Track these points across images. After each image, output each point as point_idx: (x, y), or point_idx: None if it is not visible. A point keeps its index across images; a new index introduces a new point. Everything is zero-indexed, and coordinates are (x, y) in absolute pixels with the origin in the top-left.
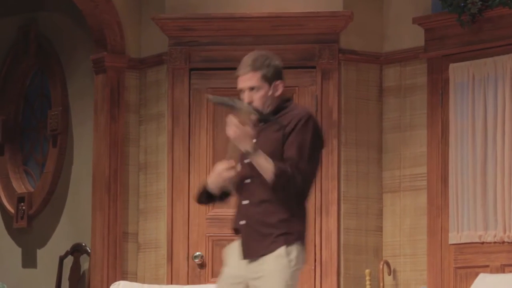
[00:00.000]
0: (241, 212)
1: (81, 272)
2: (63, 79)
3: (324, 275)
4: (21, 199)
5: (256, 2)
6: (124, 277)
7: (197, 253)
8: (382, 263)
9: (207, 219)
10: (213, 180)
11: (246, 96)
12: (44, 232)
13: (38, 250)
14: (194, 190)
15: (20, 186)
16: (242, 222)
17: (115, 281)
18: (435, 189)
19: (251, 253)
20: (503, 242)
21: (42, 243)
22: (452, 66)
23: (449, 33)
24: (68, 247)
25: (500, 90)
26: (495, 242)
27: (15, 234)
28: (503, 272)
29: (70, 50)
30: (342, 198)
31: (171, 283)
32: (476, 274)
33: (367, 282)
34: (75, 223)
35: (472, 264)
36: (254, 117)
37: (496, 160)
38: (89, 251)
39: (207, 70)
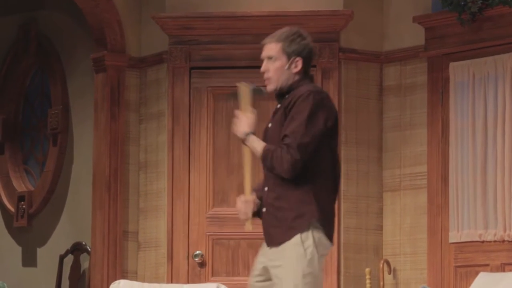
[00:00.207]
0: (263, 199)
1: (81, 271)
2: (63, 78)
3: (324, 274)
4: (21, 198)
5: (257, 1)
6: (124, 276)
7: (197, 252)
8: (382, 262)
9: (207, 218)
10: (242, 212)
11: (263, 65)
12: (44, 231)
13: (38, 249)
14: (194, 189)
15: (20, 185)
16: (264, 210)
17: (115, 280)
18: (435, 188)
19: (272, 240)
20: (503, 241)
21: (42, 242)
22: (452, 65)
23: (449, 32)
24: (68, 246)
25: (500, 89)
26: (495, 241)
27: (15, 233)
28: (503, 271)
29: (70, 49)
30: (342, 197)
31: (171, 282)
32: (476, 273)
33: (367, 281)
34: (75, 222)
35: (472, 263)
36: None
37: (496, 159)
38: (89, 250)
39: (207, 69)
